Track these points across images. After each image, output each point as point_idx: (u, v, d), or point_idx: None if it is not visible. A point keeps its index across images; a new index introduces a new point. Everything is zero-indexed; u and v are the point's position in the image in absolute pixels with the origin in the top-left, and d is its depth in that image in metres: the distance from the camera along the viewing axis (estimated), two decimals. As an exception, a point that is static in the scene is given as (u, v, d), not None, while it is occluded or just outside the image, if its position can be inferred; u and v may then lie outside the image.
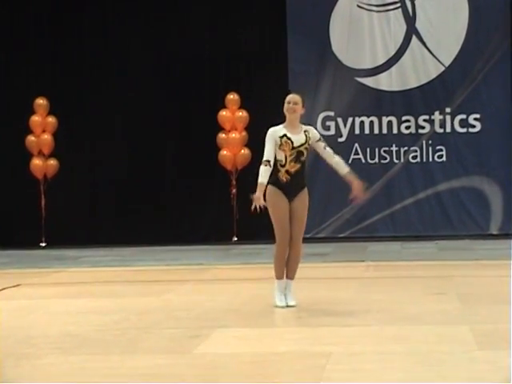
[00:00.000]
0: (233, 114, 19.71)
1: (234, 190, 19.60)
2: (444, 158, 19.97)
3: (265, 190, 10.68)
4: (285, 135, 10.60)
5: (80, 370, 8.00)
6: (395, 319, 10.24)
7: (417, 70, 20.07)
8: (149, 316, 10.94)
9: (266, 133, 10.56)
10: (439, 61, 19.97)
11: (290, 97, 10.87)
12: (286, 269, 10.93)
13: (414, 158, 20.05)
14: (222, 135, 19.67)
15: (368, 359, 8.15)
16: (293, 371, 7.77)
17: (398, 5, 20.07)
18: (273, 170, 10.67)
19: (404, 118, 20.04)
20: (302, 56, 20.10)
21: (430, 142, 20.01)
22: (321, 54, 20.10)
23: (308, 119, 19.90)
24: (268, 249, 18.21)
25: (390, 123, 20.07)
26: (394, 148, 20.07)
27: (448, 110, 19.98)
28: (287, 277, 10.97)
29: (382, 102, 20.10)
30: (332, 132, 20.12)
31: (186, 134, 19.68)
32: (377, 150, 20.09)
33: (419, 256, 16.79)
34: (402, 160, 20.04)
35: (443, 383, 7.19)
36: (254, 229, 19.42)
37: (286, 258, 10.94)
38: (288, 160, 10.64)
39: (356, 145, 20.08)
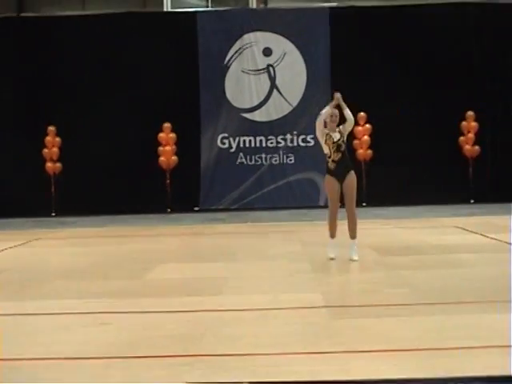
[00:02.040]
0: (167, 135, 19.64)
1: (167, 181, 19.58)
2: (293, 161, 20.17)
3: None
4: (328, 133, 9.40)
5: (75, 290, 8.03)
6: (263, 257, 10.36)
7: (276, 109, 20.25)
8: (115, 257, 10.95)
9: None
10: (289, 103, 20.16)
11: (334, 112, 9.41)
12: (349, 231, 9.57)
13: (276, 161, 20.21)
14: (160, 148, 19.61)
15: (248, 281, 8.38)
16: (206, 288, 7.99)
17: (265, 70, 20.21)
18: (326, 163, 9.59)
19: (269, 137, 20.19)
20: (209, 101, 20.12)
21: (285, 151, 20.20)
22: (220, 99, 20.14)
23: (211, 139, 20.06)
24: (190, 216, 18.28)
25: (261, 141, 20.20)
26: (263, 155, 20.19)
27: (295, 132, 20.19)
28: (350, 237, 9.58)
29: (256, 128, 20.23)
30: (226, 146, 20.18)
31: (140, 148, 19.50)
32: (253, 156, 20.19)
33: (278, 219, 16.93)
34: (268, 162, 20.19)
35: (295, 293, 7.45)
36: (182, 204, 19.47)
37: (347, 223, 9.59)
38: (332, 151, 9.39)
39: (241, 153, 20.18)
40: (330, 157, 9.45)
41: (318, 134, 9.57)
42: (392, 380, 4.56)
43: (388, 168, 19.01)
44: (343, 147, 9.44)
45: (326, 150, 9.51)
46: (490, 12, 19.94)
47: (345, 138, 9.51)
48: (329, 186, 9.55)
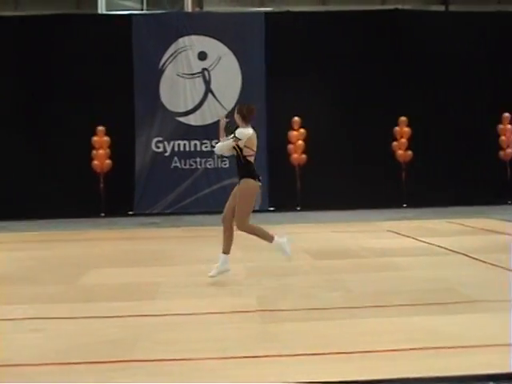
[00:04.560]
0: (101, 139, 19.36)
1: (101, 185, 19.32)
2: (228, 166, 20.09)
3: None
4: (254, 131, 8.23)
5: (6, 295, 7.86)
6: (198, 261, 10.25)
7: (211, 113, 20.12)
8: (48, 262, 10.72)
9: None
10: (224, 107, 20.07)
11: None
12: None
13: (210, 165, 20.12)
14: (94, 151, 19.32)
15: (183, 286, 8.27)
16: (140, 292, 7.85)
17: (200, 74, 20.15)
18: (247, 165, 8.25)
19: (203, 141, 20.09)
20: (144, 105, 19.93)
21: (219, 156, 20.12)
22: (154, 103, 19.97)
23: (146, 142, 19.92)
24: (125, 221, 18.01)
25: (195, 144, 20.10)
26: (198, 159, 20.08)
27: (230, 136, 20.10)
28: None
29: (190, 132, 20.13)
30: (161, 150, 20.01)
31: (74, 151, 19.18)
32: (188, 160, 20.08)
33: (213, 223, 16.81)
34: (203, 166, 20.10)
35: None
36: (116, 208, 19.26)
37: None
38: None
39: (175, 157, 20.03)
40: (253, 156, 8.28)
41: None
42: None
43: (322, 172, 19.16)
44: (236, 153, 8.29)
45: (252, 149, 8.26)
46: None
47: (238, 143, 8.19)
48: (255, 196, 8.43)
